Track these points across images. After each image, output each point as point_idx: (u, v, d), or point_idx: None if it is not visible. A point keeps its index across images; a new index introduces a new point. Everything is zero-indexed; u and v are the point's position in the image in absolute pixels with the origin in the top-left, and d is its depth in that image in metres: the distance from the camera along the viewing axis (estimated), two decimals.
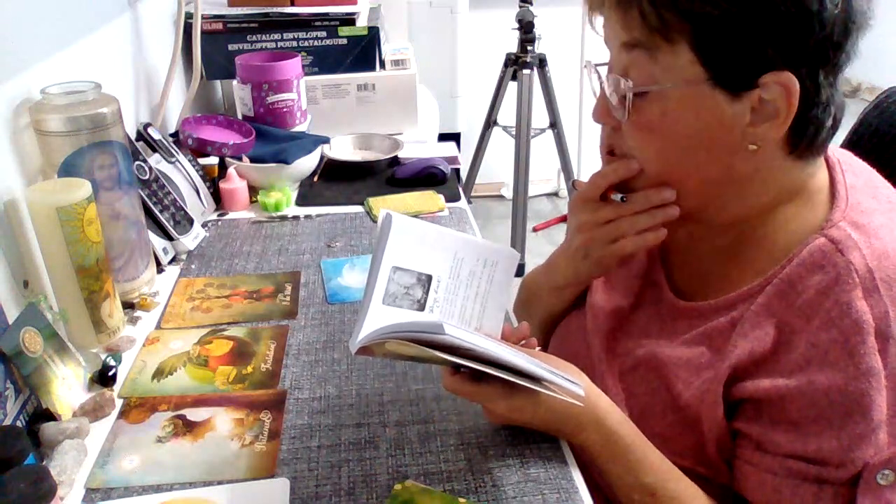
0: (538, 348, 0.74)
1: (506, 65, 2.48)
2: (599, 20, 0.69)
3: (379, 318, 0.64)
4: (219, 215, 1.20)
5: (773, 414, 0.63)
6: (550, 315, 0.89)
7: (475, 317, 0.72)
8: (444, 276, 0.70)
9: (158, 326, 0.91)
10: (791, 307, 0.63)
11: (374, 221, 1.17)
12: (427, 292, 0.69)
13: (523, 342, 0.73)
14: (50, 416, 0.71)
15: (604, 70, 0.71)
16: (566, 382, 0.63)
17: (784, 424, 0.63)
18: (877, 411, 0.59)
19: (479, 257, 0.72)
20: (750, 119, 0.63)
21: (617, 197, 0.73)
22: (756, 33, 0.59)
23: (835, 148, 0.72)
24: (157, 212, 1.02)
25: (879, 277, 0.61)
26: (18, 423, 0.69)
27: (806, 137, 0.65)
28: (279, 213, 1.20)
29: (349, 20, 1.50)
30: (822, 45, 0.60)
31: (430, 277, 0.69)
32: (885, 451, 0.59)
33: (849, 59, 0.63)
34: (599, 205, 0.75)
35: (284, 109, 1.36)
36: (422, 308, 0.68)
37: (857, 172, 0.71)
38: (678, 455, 0.68)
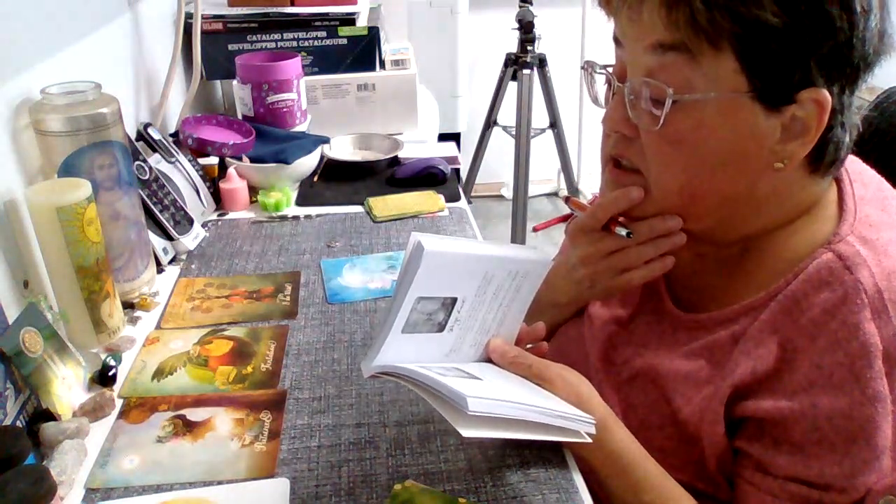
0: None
1: (506, 65, 2.48)
2: (604, 13, 0.66)
3: (396, 347, 0.62)
4: (219, 215, 1.20)
5: (775, 435, 0.62)
6: (551, 325, 0.86)
7: (494, 327, 0.69)
8: (470, 296, 0.65)
9: (158, 326, 0.91)
10: (796, 324, 0.62)
11: (374, 221, 1.17)
12: (449, 314, 0.65)
13: (531, 345, 0.73)
14: (50, 416, 0.71)
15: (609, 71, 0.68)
16: (576, 423, 0.62)
17: (786, 446, 0.62)
18: (881, 437, 0.58)
19: (509, 272, 0.67)
20: (780, 136, 0.61)
21: (622, 232, 0.71)
22: (806, 47, 0.57)
23: None
24: (157, 212, 1.02)
25: (889, 298, 0.59)
26: (18, 423, 0.69)
27: (827, 156, 0.63)
28: (279, 213, 1.20)
29: (349, 20, 1.50)
30: (859, 64, 0.59)
31: (454, 300, 0.64)
32: (889, 477, 0.58)
33: (865, 80, 0.62)
34: (601, 235, 0.73)
35: (284, 109, 1.36)
36: (441, 329, 0.65)
37: (865, 183, 0.69)
38: (677, 469, 0.67)
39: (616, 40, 0.66)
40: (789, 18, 0.56)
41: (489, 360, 0.70)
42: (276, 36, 1.50)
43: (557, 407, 0.61)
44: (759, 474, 0.64)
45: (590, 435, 0.63)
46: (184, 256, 1.06)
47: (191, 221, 1.09)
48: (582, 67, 0.73)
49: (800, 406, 0.60)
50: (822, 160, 0.64)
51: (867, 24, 0.58)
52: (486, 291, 0.66)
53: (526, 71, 2.42)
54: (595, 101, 0.74)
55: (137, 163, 1.01)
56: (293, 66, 1.35)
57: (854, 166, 0.71)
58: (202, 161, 1.21)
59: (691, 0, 0.57)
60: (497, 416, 0.57)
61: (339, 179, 1.31)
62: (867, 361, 0.58)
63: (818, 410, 0.59)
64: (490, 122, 2.62)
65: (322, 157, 1.32)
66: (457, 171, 1.35)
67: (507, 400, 0.58)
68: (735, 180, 0.64)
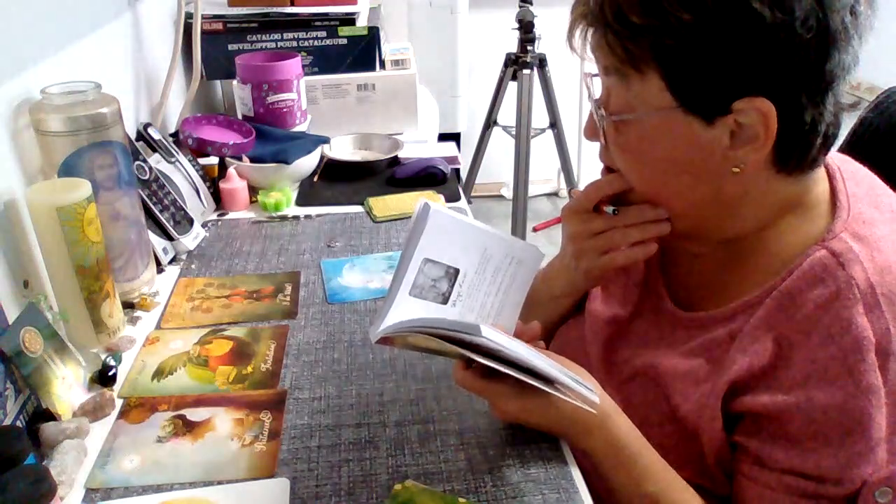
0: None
1: (506, 65, 2.48)
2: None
3: (404, 309, 0.65)
4: (219, 215, 1.20)
5: (772, 429, 0.63)
6: (549, 322, 0.88)
7: (493, 313, 0.73)
8: (471, 271, 0.71)
9: (158, 326, 0.91)
10: (790, 321, 0.62)
11: (374, 221, 1.17)
12: (452, 286, 0.69)
13: (530, 341, 0.73)
14: (50, 416, 0.71)
15: (597, 81, 0.70)
16: (582, 388, 0.63)
17: (783, 440, 0.62)
18: (876, 429, 0.59)
19: (506, 254, 0.73)
20: (730, 143, 0.62)
21: (609, 209, 0.73)
22: (723, 62, 0.58)
23: (835, 153, 0.70)
24: (157, 212, 1.02)
25: (881, 293, 0.60)
26: (18, 423, 0.70)
27: (793, 157, 0.64)
28: (279, 213, 1.20)
29: (349, 20, 1.50)
30: (799, 70, 0.59)
31: (457, 271, 0.70)
32: (884, 468, 0.59)
33: (838, 76, 0.60)
34: (592, 216, 0.75)
35: (284, 109, 1.36)
36: (445, 301, 0.69)
37: (858, 181, 0.69)
38: (677, 466, 0.68)
39: None
40: (698, 41, 0.58)
41: None
42: (276, 36, 1.50)
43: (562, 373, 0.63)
44: (757, 468, 0.64)
45: (595, 426, 0.64)
46: (184, 256, 1.06)
47: (191, 221, 1.09)
48: (582, 79, 0.76)
49: (795, 400, 0.61)
50: (789, 161, 0.64)
51: (793, 32, 0.56)
52: (485, 269, 0.71)
53: (526, 71, 2.42)
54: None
55: (137, 163, 1.01)
56: (293, 66, 1.35)
57: (848, 166, 0.71)
58: (202, 161, 1.21)
59: (605, 33, 0.62)
60: (505, 353, 0.59)
61: (339, 179, 1.31)
62: (860, 355, 0.59)
63: (813, 404, 0.60)
64: (490, 122, 2.62)
65: (322, 157, 1.32)
66: (457, 171, 1.35)
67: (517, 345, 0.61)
68: (694, 185, 0.66)
